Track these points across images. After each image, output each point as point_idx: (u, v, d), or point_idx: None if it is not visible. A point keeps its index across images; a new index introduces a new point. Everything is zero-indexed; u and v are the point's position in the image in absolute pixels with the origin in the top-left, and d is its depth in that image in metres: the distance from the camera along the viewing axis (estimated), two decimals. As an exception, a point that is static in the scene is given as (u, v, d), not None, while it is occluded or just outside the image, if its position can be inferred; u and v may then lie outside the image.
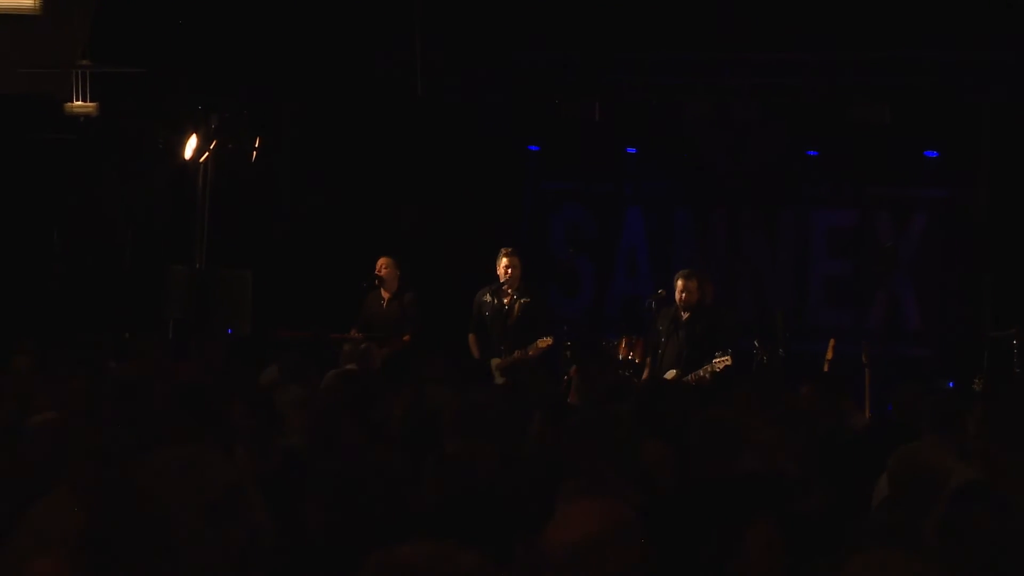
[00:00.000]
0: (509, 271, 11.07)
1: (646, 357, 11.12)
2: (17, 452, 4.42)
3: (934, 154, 13.08)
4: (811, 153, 13.41)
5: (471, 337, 11.25)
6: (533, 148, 14.38)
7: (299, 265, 13.59)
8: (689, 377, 10.39)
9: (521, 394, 7.48)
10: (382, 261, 11.76)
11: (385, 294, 11.72)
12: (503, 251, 11.15)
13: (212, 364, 8.81)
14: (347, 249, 13.24)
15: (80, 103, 11.62)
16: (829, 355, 11.26)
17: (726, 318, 11.06)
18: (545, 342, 10.78)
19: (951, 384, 11.82)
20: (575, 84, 12.97)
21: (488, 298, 11.16)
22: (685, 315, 10.66)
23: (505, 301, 11.07)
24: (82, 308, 12.44)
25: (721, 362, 10.29)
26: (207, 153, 12.49)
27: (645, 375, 10.84)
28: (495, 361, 10.89)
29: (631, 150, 14.07)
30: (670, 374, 10.53)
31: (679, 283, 10.69)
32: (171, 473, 2.65)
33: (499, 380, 10.28)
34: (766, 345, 11.65)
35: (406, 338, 11.43)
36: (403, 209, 14.03)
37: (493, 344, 11.05)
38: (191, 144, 12.45)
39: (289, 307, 12.75)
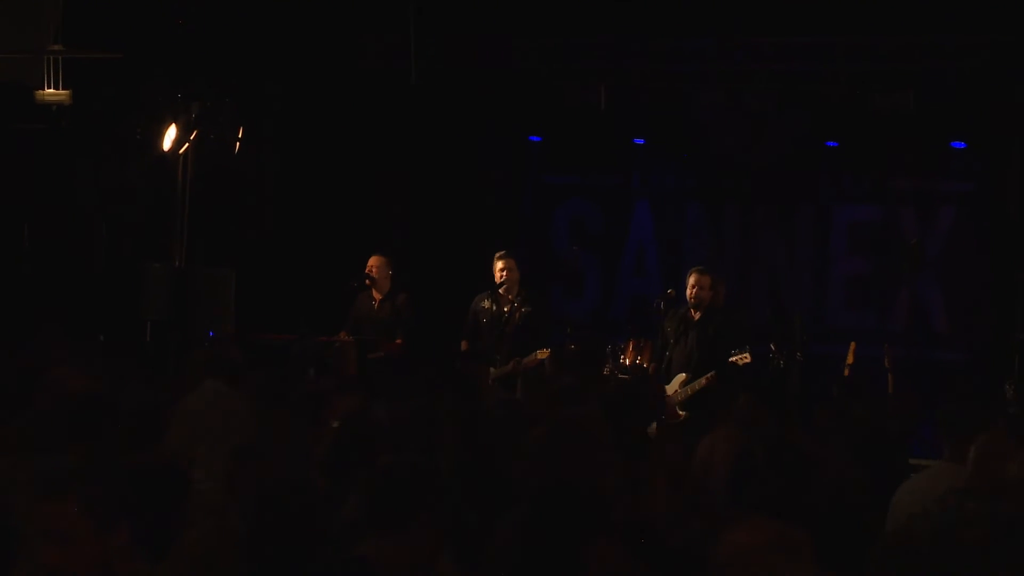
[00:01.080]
0: (504, 274, 10.99)
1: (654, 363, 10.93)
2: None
3: (962, 144, 12.88)
4: (831, 144, 13.22)
5: (464, 343, 11.12)
6: (534, 139, 14.22)
7: (285, 264, 13.52)
8: (701, 381, 10.28)
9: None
10: (373, 260, 11.67)
11: (376, 295, 11.61)
12: (496, 255, 11.10)
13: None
14: (336, 247, 13.20)
15: (52, 91, 11.52)
16: (850, 359, 11.10)
17: (739, 319, 10.94)
18: (544, 354, 10.53)
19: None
20: (579, 70, 12.85)
21: (486, 304, 11.06)
22: (696, 315, 10.54)
23: (505, 309, 10.99)
24: (53, 309, 12.06)
25: (740, 359, 10.18)
26: (187, 144, 12.28)
27: (651, 381, 10.63)
28: (492, 371, 10.62)
29: (639, 141, 13.88)
30: (679, 379, 10.42)
31: (691, 279, 10.60)
32: None
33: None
34: (783, 349, 11.34)
35: (398, 342, 11.32)
36: (395, 204, 14.03)
37: (488, 353, 10.82)
38: (170, 134, 12.24)
39: (274, 308, 12.64)
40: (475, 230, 13.43)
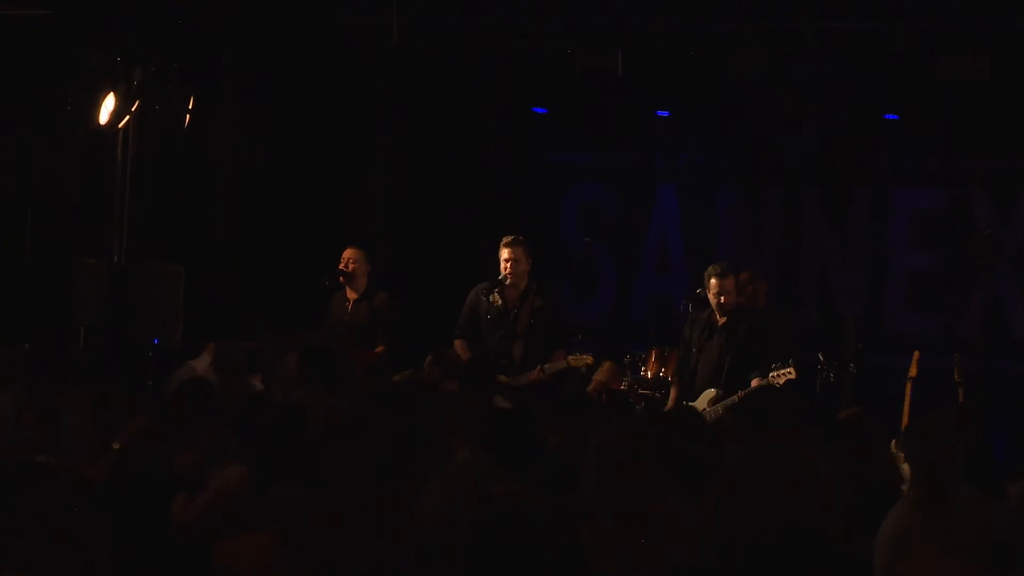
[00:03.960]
0: (510, 265, 10.53)
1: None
2: None
3: (1044, 118, 12.51)
4: (890, 117, 12.76)
5: (458, 343, 10.59)
6: (539, 110, 13.78)
7: (243, 259, 13.14)
8: (734, 398, 9.67)
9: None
10: (348, 253, 11.23)
11: (351, 294, 11.15)
12: (503, 240, 10.66)
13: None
14: (304, 238, 12.87)
15: (-32, 55, 11.46)
16: (913, 371, 10.62)
17: (777, 322, 10.58)
18: (579, 360, 10.34)
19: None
20: (592, 29, 12.33)
21: (484, 297, 10.63)
22: (722, 319, 10.19)
23: (512, 303, 10.65)
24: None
25: (782, 375, 9.69)
26: (128, 117, 11.76)
27: (672, 397, 10.39)
28: (501, 378, 10.19)
29: (662, 113, 13.47)
30: (707, 395, 10.00)
31: (712, 282, 10.20)
32: None
33: (503, 404, 9.42)
34: (833, 359, 11.15)
35: (379, 349, 10.88)
36: (375, 188, 13.71)
37: (497, 357, 10.48)
38: (107, 106, 11.71)
39: (231, 311, 12.35)
40: (469, 218, 13.14)
